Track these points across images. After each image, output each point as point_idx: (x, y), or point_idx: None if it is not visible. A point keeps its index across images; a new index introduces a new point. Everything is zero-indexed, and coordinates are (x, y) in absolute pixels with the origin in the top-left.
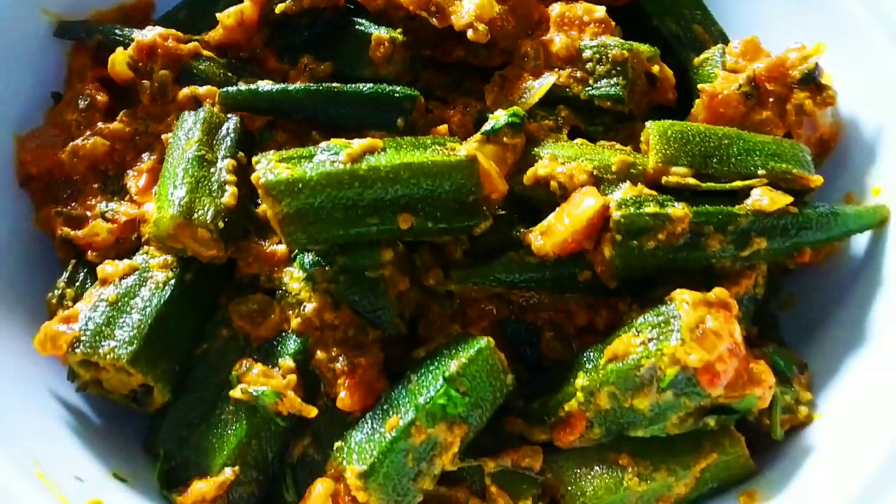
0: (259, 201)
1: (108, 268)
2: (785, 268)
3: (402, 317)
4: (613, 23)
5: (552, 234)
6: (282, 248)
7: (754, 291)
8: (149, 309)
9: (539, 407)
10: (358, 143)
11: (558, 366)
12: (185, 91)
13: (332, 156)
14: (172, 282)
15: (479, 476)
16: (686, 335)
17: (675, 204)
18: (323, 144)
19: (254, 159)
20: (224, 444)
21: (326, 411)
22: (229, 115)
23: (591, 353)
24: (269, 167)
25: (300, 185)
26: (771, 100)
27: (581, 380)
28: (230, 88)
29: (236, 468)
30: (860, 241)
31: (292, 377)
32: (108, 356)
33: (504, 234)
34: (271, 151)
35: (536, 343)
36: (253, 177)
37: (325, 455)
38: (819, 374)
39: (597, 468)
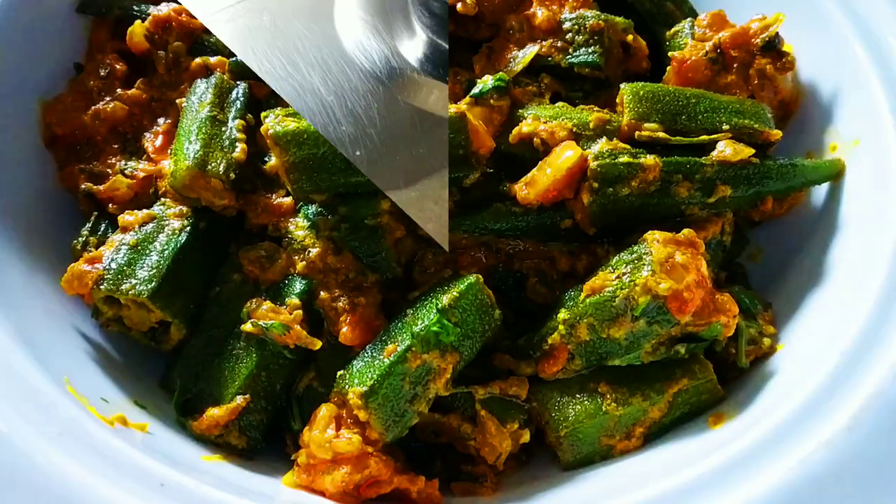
0: (266, 159)
1: (128, 216)
2: (752, 221)
3: (399, 262)
4: None
5: (535, 183)
6: (288, 201)
7: (721, 238)
8: (166, 252)
9: (525, 343)
10: None
11: (543, 309)
12: (198, 61)
13: None
14: (188, 229)
15: (471, 403)
16: (656, 267)
17: (647, 155)
18: None
19: (262, 114)
20: (236, 375)
21: (329, 349)
22: (238, 82)
23: (572, 292)
24: (277, 120)
25: (305, 136)
26: (735, 65)
27: (562, 314)
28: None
29: (247, 396)
30: (819, 195)
31: (298, 312)
32: (129, 292)
33: (492, 189)
34: (278, 108)
35: (522, 289)
36: (262, 129)
37: (328, 388)
38: (782, 312)
39: (578, 395)
